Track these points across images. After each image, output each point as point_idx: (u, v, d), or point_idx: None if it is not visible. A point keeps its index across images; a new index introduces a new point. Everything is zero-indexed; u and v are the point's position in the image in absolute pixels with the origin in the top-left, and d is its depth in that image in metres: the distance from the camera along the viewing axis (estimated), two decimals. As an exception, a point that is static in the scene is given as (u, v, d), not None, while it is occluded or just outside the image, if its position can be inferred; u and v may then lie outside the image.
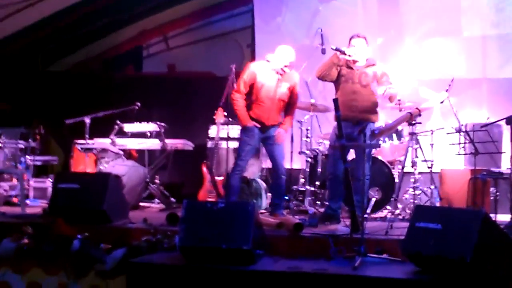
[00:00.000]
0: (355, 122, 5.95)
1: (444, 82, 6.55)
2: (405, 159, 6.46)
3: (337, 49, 5.94)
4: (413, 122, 5.96)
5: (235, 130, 7.73)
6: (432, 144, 6.84)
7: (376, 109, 6.13)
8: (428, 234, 4.35)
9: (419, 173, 6.67)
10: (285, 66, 6.19)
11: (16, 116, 9.51)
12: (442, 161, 7.32)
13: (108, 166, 7.48)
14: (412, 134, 6.01)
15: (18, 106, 9.81)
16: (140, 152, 8.17)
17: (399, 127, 6.82)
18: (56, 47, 10.33)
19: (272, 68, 6.21)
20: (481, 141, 6.39)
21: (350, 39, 6.10)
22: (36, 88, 10.07)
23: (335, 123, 5.42)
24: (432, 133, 6.83)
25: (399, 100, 6.65)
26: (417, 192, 6.61)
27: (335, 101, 4.51)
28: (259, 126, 6.28)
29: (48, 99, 9.97)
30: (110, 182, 5.94)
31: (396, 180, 6.73)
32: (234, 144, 7.62)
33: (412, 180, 6.61)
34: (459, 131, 6.49)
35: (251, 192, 7.50)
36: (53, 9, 9.10)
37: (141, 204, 7.83)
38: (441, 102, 6.13)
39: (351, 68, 6.06)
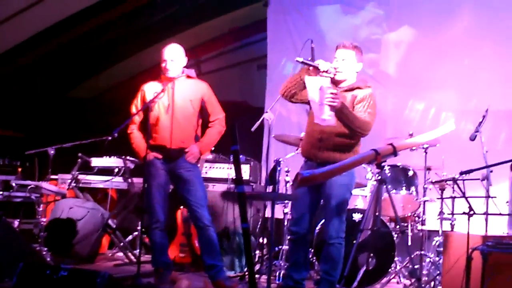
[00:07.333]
0: (319, 163, 4.30)
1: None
2: (417, 215, 4.64)
3: (304, 62, 4.30)
4: (382, 164, 3.98)
5: (222, 170, 6.33)
6: (453, 197, 4.95)
7: (352, 149, 4.35)
8: None
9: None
10: (183, 74, 4.91)
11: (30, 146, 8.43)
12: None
13: (65, 207, 6.16)
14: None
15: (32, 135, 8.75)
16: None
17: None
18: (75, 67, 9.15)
19: (163, 80, 4.91)
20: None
21: (336, 49, 4.47)
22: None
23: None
24: (455, 182, 4.93)
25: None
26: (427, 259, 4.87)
27: (233, 128, 2.90)
28: (160, 156, 4.85)
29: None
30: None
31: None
32: (221, 187, 6.22)
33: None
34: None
35: (232, 249, 6.00)
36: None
37: (113, 253, 6.70)
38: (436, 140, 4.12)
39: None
